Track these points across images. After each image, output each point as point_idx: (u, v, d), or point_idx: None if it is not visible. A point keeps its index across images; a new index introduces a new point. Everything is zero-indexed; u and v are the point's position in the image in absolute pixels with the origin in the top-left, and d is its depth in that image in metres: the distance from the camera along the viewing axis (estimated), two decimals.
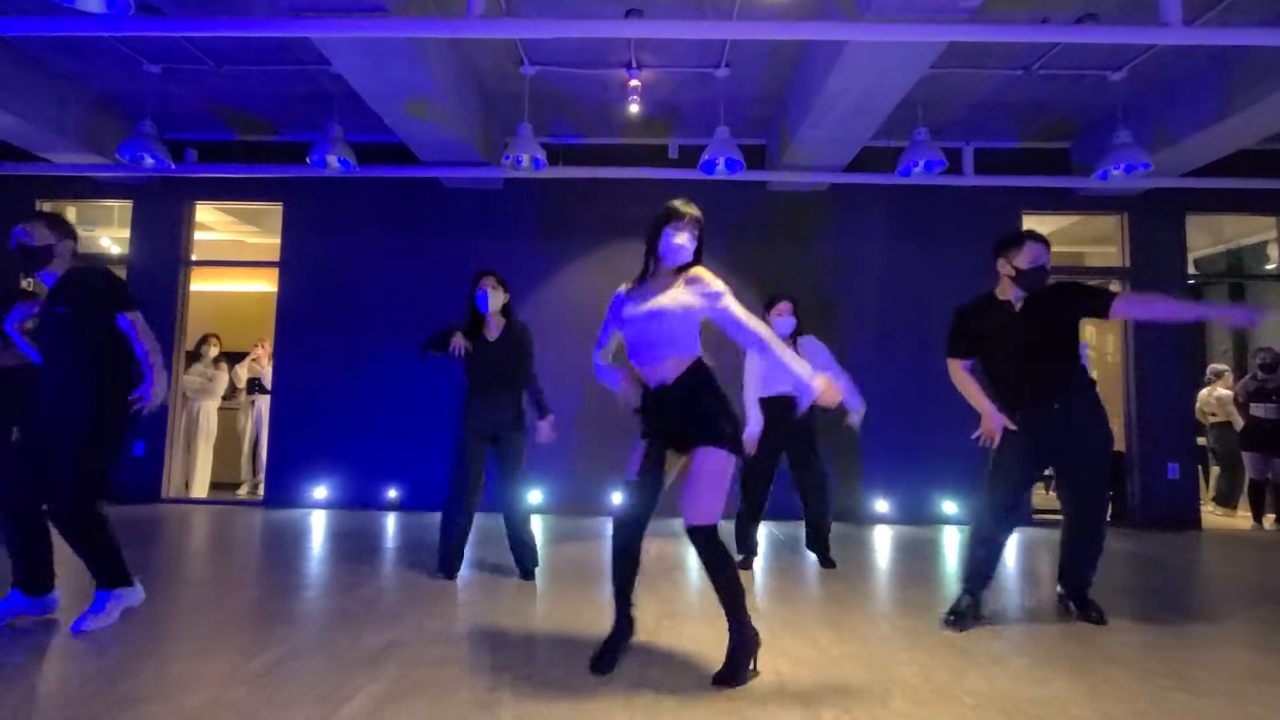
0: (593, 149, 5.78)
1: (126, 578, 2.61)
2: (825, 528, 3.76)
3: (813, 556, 3.84)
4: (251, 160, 5.70)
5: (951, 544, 4.68)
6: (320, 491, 5.62)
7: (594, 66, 4.62)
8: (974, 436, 2.82)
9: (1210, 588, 3.69)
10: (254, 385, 6.75)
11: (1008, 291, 2.79)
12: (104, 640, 2.39)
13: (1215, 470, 6.65)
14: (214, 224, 7.33)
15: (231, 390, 6.85)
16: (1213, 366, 6.68)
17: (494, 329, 3.35)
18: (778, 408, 3.52)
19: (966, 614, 2.73)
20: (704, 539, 2.11)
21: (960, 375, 2.89)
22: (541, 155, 4.54)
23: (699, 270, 2.22)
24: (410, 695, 1.99)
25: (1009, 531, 2.80)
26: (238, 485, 6.74)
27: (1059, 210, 5.92)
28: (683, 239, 2.18)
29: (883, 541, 4.75)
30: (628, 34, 3.51)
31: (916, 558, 4.21)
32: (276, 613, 2.80)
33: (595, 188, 5.66)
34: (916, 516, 5.41)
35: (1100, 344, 7.26)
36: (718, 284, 2.18)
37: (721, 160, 4.47)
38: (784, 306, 3.67)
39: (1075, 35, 3.35)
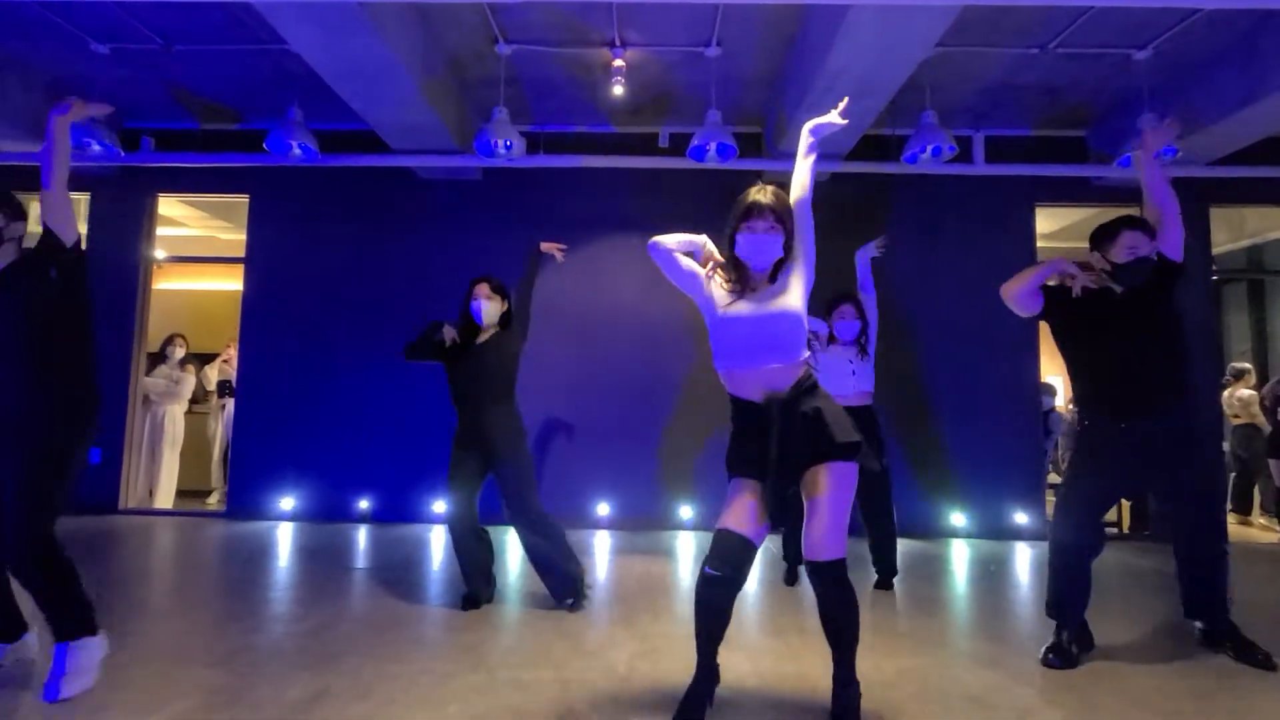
0: (578, 137, 5.43)
1: (93, 624, 2.11)
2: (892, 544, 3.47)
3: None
4: (214, 149, 5.35)
5: (958, 556, 4.33)
6: (287, 502, 5.27)
7: (575, 45, 4.28)
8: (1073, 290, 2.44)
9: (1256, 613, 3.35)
10: (224, 388, 6.42)
11: (1107, 285, 2.46)
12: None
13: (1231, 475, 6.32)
14: (184, 219, 6.99)
15: (202, 393, 6.52)
16: (1233, 365, 6.33)
17: (484, 337, 3.09)
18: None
19: (1067, 648, 2.40)
20: (838, 576, 1.78)
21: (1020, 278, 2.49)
22: (518, 140, 4.20)
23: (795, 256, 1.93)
24: None
25: (1094, 552, 2.46)
26: (208, 493, 6.41)
27: (1074, 202, 5.58)
28: (762, 231, 1.86)
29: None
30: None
31: (918, 577, 3.85)
32: (207, 648, 2.46)
33: (580, 178, 5.31)
34: (923, 529, 5.05)
35: None
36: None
37: (713, 146, 4.13)
38: (847, 309, 3.48)
39: None
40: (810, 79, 3.88)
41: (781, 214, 1.88)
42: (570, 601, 3.00)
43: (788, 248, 1.90)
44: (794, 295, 1.89)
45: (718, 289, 1.95)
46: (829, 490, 1.77)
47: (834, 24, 3.36)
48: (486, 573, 3.06)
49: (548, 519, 3.01)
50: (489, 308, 3.03)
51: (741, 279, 1.93)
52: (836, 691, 1.83)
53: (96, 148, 4.26)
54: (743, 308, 1.89)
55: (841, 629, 1.81)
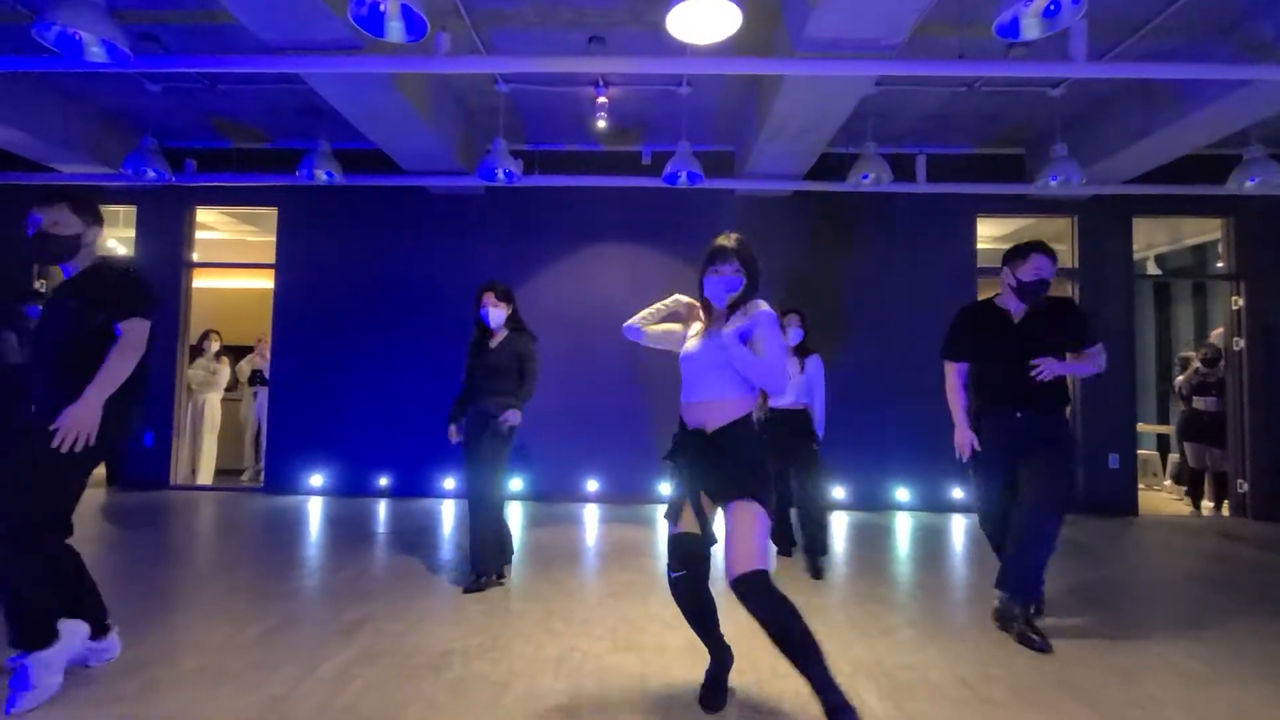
0: (569, 155, 6.09)
1: (53, 634, 2.07)
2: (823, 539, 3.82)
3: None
4: (247, 168, 6.04)
5: (901, 528, 5.07)
6: (316, 479, 6.03)
7: (565, 84, 4.93)
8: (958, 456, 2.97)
9: (1126, 571, 4.07)
10: (256, 377, 7.15)
11: (1007, 301, 2.91)
12: (116, 611, 2.46)
13: (1175, 456, 6.97)
14: (215, 224, 7.70)
15: (234, 383, 7.27)
16: (1182, 354, 6.88)
17: (497, 339, 3.47)
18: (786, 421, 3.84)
19: (1011, 616, 2.75)
20: (754, 588, 1.83)
21: (951, 382, 3.02)
22: (515, 168, 4.86)
23: (758, 302, 2.06)
24: (377, 659, 2.39)
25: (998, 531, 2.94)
26: (241, 471, 7.19)
27: (1013, 214, 6.21)
28: (728, 274, 2.04)
29: (839, 528, 5.14)
30: (588, 69, 3.82)
31: (868, 545, 4.59)
32: (270, 590, 3.21)
33: (572, 194, 5.98)
34: (872, 502, 5.79)
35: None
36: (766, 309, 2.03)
37: (684, 173, 4.79)
38: (794, 318, 4.05)
39: (989, 69, 3.65)
40: (763, 119, 4.52)
41: (745, 258, 2.06)
42: (479, 579, 3.29)
43: (748, 289, 2.07)
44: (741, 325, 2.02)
45: (691, 331, 2.18)
46: (734, 523, 1.89)
47: (777, 82, 4.01)
48: (487, 551, 3.31)
49: (500, 516, 3.37)
50: (495, 313, 3.39)
51: (708, 318, 2.13)
52: (826, 711, 1.77)
53: (152, 174, 4.94)
54: (693, 344, 2.11)
55: (782, 639, 1.80)
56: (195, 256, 6.57)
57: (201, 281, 7.89)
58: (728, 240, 2.08)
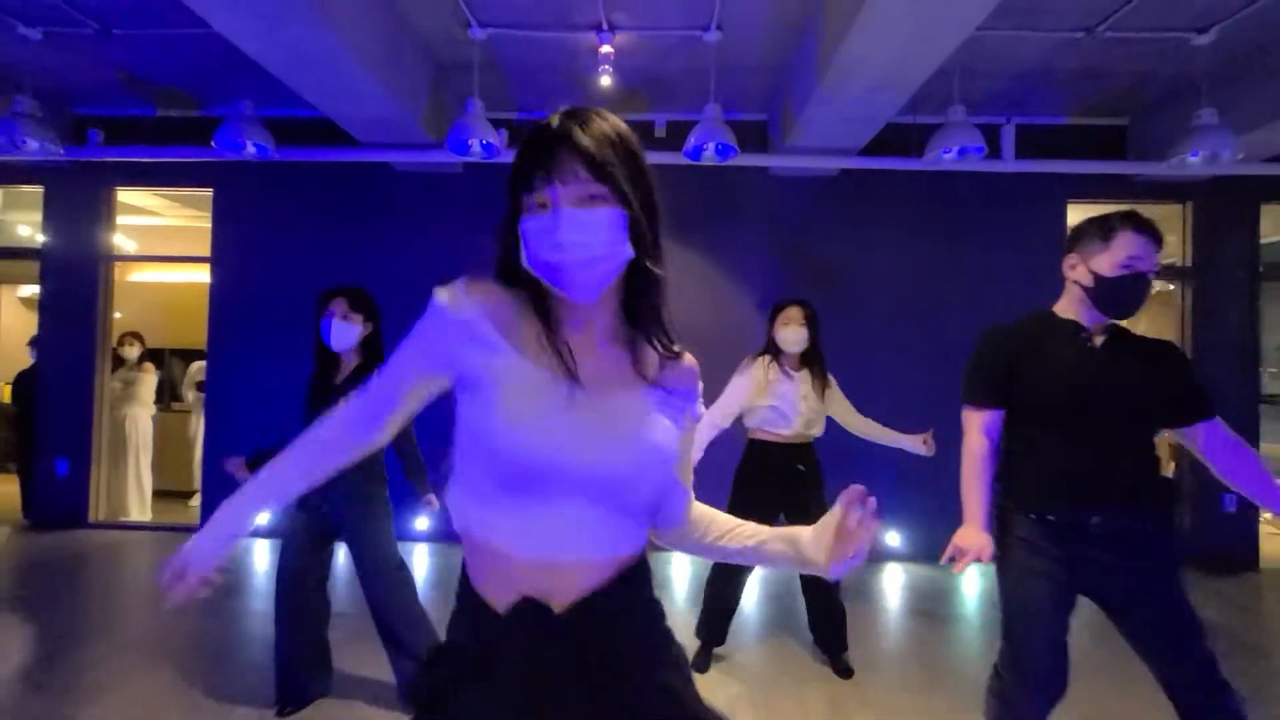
0: None
1: None
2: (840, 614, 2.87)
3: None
4: (173, 140, 4.93)
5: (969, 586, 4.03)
6: (262, 516, 4.98)
7: (557, 29, 3.80)
8: (943, 560, 1.70)
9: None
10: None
11: (1076, 310, 1.75)
12: None
13: None
14: (155, 208, 6.59)
15: (170, 395, 6.23)
16: None
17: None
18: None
19: None
20: None
21: (975, 442, 1.77)
22: (494, 138, 3.76)
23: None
24: None
25: (1051, 701, 1.70)
26: (190, 494, 6.18)
27: (1110, 198, 5.07)
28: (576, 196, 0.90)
29: (893, 584, 4.11)
30: None
31: (946, 615, 3.54)
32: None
33: None
34: (931, 553, 4.73)
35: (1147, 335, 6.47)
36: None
37: (711, 146, 3.68)
38: (793, 313, 2.77)
39: None
40: (823, 68, 3.40)
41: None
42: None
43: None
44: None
45: None
46: None
47: (854, 7, 2.88)
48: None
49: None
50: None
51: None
52: None
53: (32, 145, 3.85)
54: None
55: None
56: (131, 246, 5.49)
57: (140, 275, 6.85)
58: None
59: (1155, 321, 6.29)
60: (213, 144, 3.92)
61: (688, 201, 4.87)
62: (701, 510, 1.04)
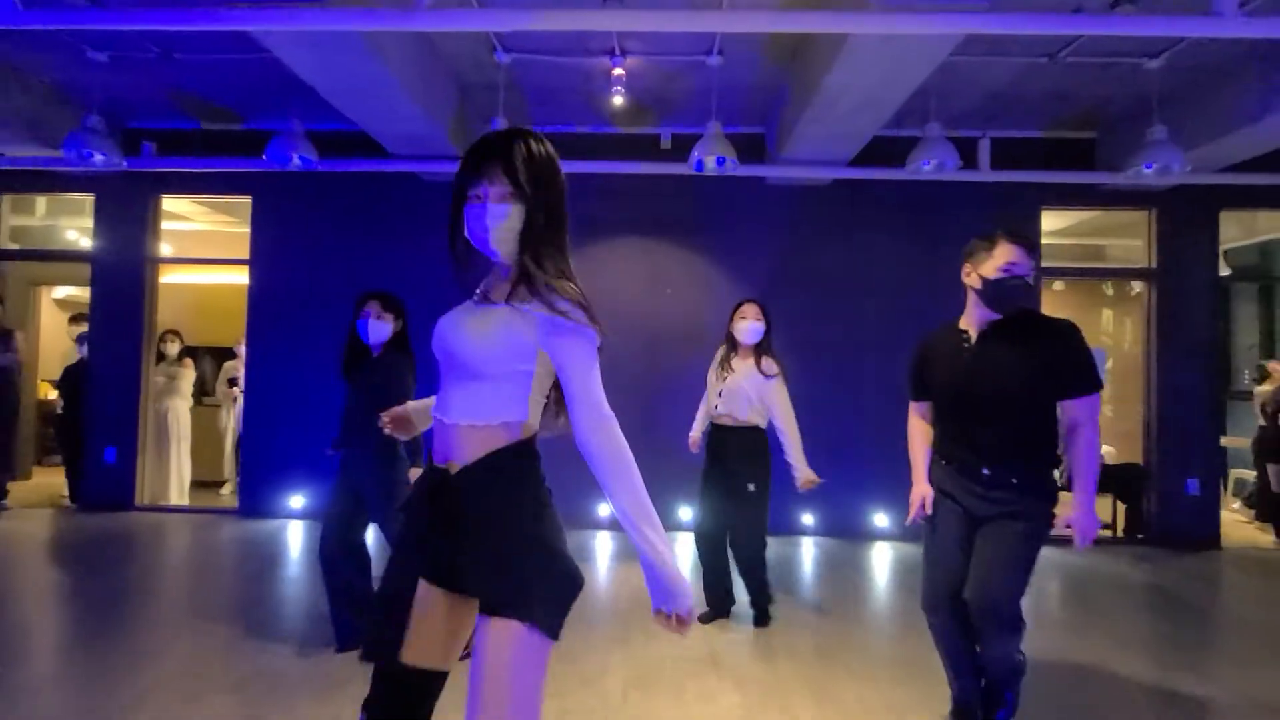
0: (577, 139, 5.39)
1: None
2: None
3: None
4: (215, 152, 5.35)
5: None
6: (297, 500, 5.40)
7: (574, 54, 4.22)
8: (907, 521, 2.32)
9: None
10: (237, 381, 6.51)
11: (971, 312, 2.18)
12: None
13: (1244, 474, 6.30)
14: (189, 214, 7.01)
15: (207, 389, 6.63)
16: (1261, 362, 6.18)
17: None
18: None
19: (967, 712, 2.24)
20: None
21: (914, 424, 2.36)
22: None
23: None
24: None
25: (955, 616, 2.16)
26: (221, 484, 6.57)
27: (1081, 205, 5.51)
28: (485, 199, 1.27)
29: (881, 560, 4.48)
30: (605, 26, 3.12)
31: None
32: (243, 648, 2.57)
33: (583, 181, 5.25)
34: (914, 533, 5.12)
35: (1117, 333, 6.88)
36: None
37: (711, 158, 4.09)
38: (749, 309, 3.20)
39: (1110, 27, 2.93)
40: (812, 93, 3.82)
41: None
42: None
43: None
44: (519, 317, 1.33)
45: None
46: (483, 653, 1.14)
47: (837, 44, 3.30)
48: None
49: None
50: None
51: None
52: None
53: (99, 158, 4.26)
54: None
55: None
56: (169, 250, 5.91)
57: (175, 277, 7.25)
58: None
59: (1124, 320, 6.72)
60: (263, 155, 4.32)
61: (691, 208, 5.29)
62: (606, 450, 1.32)
